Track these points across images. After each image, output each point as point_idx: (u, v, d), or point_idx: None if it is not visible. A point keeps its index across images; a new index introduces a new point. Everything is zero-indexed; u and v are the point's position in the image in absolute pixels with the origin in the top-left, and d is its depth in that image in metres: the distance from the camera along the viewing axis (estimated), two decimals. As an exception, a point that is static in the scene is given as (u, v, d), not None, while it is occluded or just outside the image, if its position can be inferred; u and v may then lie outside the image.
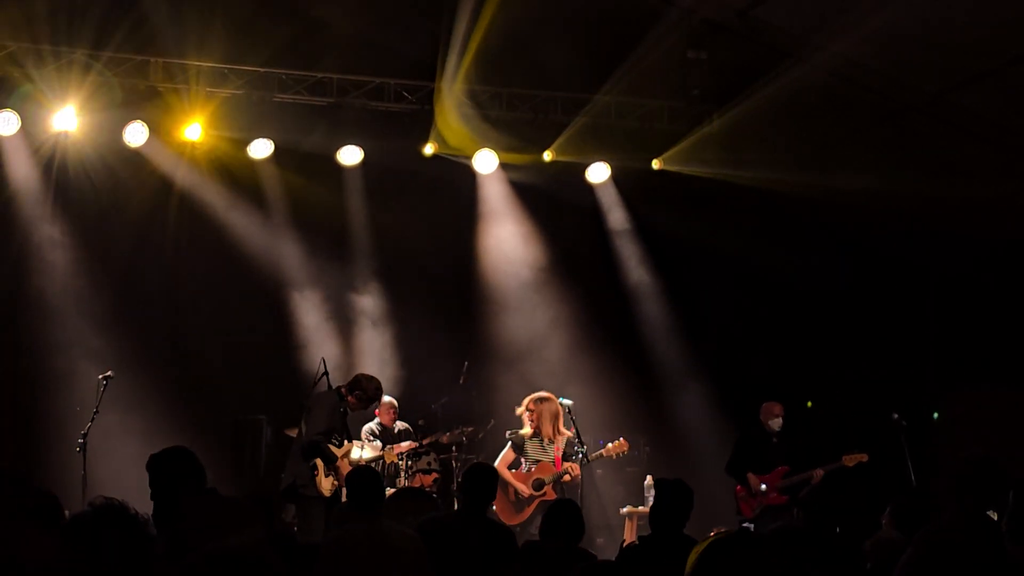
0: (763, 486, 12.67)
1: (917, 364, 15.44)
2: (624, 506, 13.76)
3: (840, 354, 15.35)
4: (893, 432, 12.69)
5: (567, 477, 12.06)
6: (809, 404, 14.05)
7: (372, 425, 13.44)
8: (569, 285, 15.53)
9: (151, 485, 6.52)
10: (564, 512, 7.60)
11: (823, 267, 15.30)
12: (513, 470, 12.29)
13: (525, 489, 12.07)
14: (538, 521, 11.60)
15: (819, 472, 12.57)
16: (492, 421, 13.49)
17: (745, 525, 12.50)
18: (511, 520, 11.78)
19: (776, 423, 12.86)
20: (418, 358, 14.93)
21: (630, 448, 13.81)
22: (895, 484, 12.30)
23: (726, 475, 12.97)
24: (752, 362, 15.34)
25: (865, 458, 12.46)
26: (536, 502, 12.02)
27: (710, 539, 3.64)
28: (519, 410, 12.43)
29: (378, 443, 13.13)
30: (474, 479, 8.23)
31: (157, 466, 6.54)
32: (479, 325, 15.48)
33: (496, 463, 12.30)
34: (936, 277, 15.46)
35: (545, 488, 12.05)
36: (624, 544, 9.17)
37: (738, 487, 12.88)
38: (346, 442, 11.92)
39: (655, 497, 7.40)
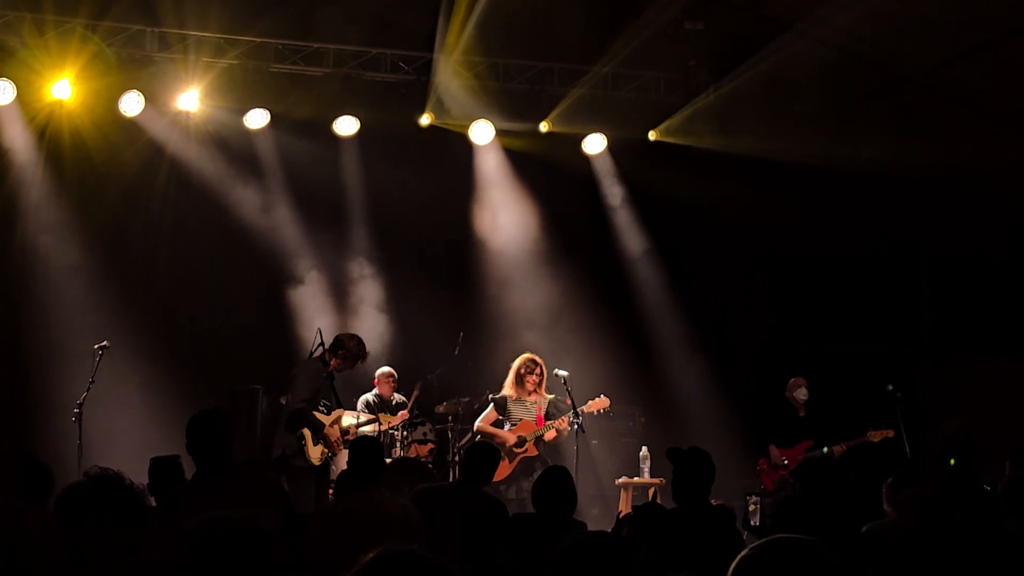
0: (784, 460, 12.74)
1: (913, 334, 15.43)
2: (619, 477, 13.76)
3: (836, 324, 15.33)
4: (888, 404, 12.70)
5: (552, 433, 12.06)
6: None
7: (368, 396, 13.41)
8: (565, 256, 15.50)
9: (192, 446, 6.55)
10: (556, 480, 7.59)
11: (820, 237, 15.28)
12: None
13: (511, 438, 12.05)
14: (520, 480, 11.74)
15: (840, 448, 12.62)
16: (488, 392, 13.47)
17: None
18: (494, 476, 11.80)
19: (801, 393, 12.99)
20: (413, 328, 14.91)
21: (623, 419, 13.85)
22: (891, 456, 12.31)
23: (753, 454, 13.11)
24: (748, 333, 15.34)
25: (892, 434, 12.49)
26: (517, 459, 12.04)
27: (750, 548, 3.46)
28: (513, 370, 12.38)
29: (373, 415, 13.09)
30: (475, 458, 8.34)
31: (194, 428, 6.56)
32: (474, 296, 15.46)
33: (479, 422, 12.44)
34: (932, 247, 15.43)
35: (527, 445, 12.07)
36: (620, 515, 9.16)
37: (761, 460, 12.96)
38: (335, 409, 11.84)
39: (675, 468, 7.15)
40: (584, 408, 12.16)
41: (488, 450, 8.62)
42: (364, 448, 7.56)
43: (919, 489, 6.36)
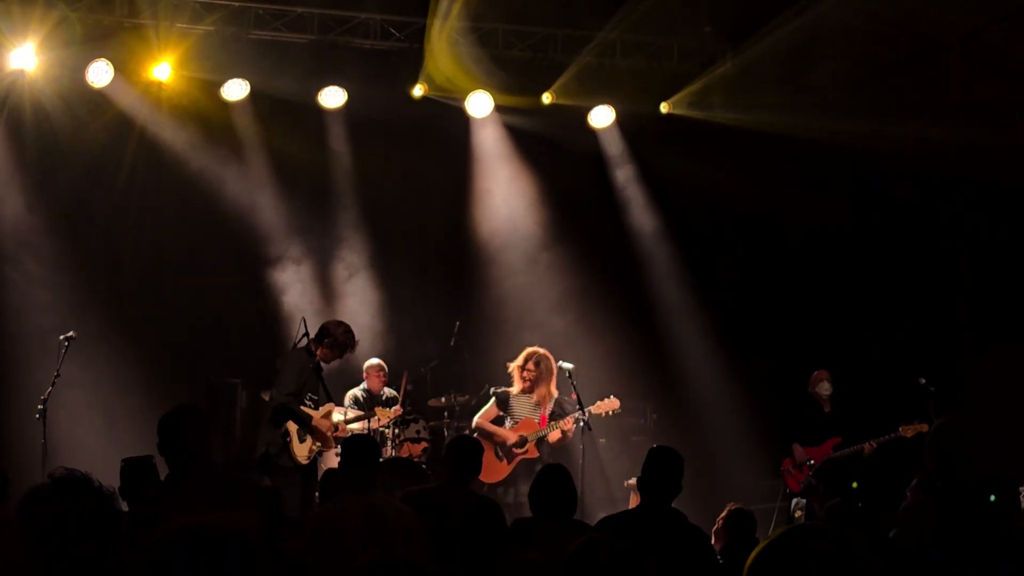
0: (811, 460, 12.74)
1: (949, 323, 15.35)
2: (629, 478, 13.74)
3: (862, 312, 15.28)
4: (920, 398, 12.67)
5: (557, 433, 12.06)
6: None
7: (356, 391, 13.40)
8: (569, 238, 15.48)
9: (165, 445, 6.53)
10: (554, 479, 7.59)
11: (845, 218, 15.23)
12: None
13: (511, 436, 12.03)
14: (519, 483, 11.74)
15: (871, 444, 12.63)
16: (486, 386, 13.44)
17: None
18: (490, 477, 11.81)
19: (824, 388, 13.07)
20: (406, 318, 14.91)
21: (633, 416, 13.82)
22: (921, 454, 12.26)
23: (776, 453, 13.14)
24: (767, 322, 15.30)
25: (926, 428, 12.43)
26: (517, 459, 12.06)
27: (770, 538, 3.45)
28: (513, 365, 12.37)
29: (362, 412, 13.07)
30: (458, 452, 8.44)
31: (166, 426, 6.54)
32: (472, 282, 15.46)
33: (477, 417, 12.48)
34: (971, 229, 15.31)
35: (527, 445, 12.06)
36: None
37: (785, 460, 12.96)
38: (324, 404, 11.80)
39: (643, 465, 7.46)
40: (592, 409, 12.13)
41: (469, 442, 8.80)
42: (359, 447, 7.56)
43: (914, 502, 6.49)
